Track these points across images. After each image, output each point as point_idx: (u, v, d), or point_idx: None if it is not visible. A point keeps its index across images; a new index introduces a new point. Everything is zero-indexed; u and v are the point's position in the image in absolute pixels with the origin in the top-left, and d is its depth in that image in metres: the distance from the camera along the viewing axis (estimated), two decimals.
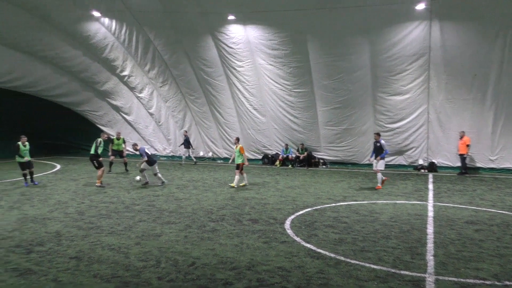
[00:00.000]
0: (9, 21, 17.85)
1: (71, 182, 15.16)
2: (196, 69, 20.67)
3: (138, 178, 14.22)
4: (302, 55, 17.77)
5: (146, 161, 14.25)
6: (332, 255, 6.64)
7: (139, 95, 23.40)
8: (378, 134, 13.75)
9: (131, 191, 13.13)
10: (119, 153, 19.47)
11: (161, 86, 22.60)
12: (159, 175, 14.56)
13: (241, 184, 14.13)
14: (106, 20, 19.36)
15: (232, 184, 13.93)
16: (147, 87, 23.02)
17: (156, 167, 14.61)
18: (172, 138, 24.19)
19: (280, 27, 17.37)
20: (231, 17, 17.55)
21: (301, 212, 9.90)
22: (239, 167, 13.90)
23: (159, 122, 24.00)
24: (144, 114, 24.31)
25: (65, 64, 22.02)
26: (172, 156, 24.55)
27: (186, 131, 22.64)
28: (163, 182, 14.51)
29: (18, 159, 14.04)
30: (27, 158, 14.07)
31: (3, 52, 20.16)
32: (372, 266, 6.13)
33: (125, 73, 22.35)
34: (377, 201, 11.29)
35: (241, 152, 14.03)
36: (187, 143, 21.97)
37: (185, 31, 18.94)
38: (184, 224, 8.76)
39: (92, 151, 14.46)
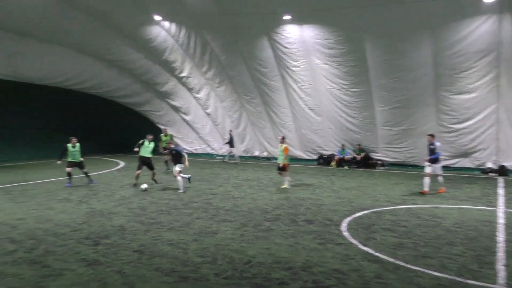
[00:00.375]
0: (80, 28, 19.07)
1: (133, 179, 15.87)
2: (251, 69, 20.88)
3: (144, 186, 13.12)
4: (359, 53, 17.35)
5: (174, 160, 13.21)
6: (391, 259, 6.41)
7: (197, 95, 24.07)
8: (432, 136, 12.91)
9: (189, 188, 13.51)
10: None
11: (217, 87, 23.08)
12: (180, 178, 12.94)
13: (281, 186, 13.78)
14: (166, 24, 20.09)
15: (285, 186, 13.75)
16: (205, 87, 23.62)
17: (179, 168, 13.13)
18: (228, 138, 24.60)
19: (336, 26, 17.07)
20: (286, 17, 17.53)
21: (357, 214, 9.67)
22: (285, 168, 13.61)
23: (216, 122, 24.54)
24: (201, 114, 24.98)
25: (128, 66, 23.20)
26: (229, 156, 24.95)
27: (231, 130, 23.02)
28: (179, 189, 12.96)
29: (69, 158, 14.13)
30: (73, 159, 14.10)
31: (74, 57, 21.69)
32: (435, 273, 5.84)
33: (184, 74, 23.09)
34: (440, 205, 10.75)
35: (284, 152, 13.51)
36: (231, 142, 22.27)
37: (241, 32, 19.19)
38: (239, 222, 8.87)
39: (148, 154, 14.37)
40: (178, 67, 22.71)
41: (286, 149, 13.58)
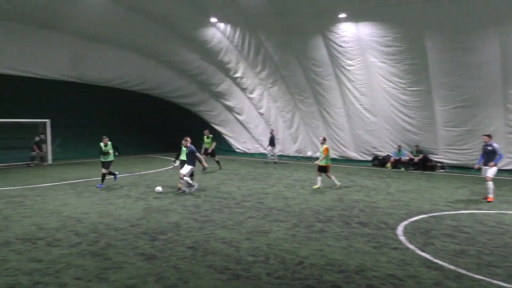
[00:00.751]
0: (141, 31, 20.00)
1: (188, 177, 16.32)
2: (305, 69, 20.73)
3: (159, 189, 12.67)
4: (418, 51, 16.63)
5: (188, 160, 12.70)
6: (452, 267, 6.08)
7: (250, 95, 24.32)
8: (489, 136, 11.87)
9: (242, 187, 13.67)
10: (205, 152, 18.93)
11: (271, 87, 23.16)
12: (187, 179, 12.55)
13: (314, 187, 13.57)
14: (221, 25, 20.49)
15: (336, 186, 13.55)
16: (258, 88, 23.81)
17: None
18: (281, 138, 24.61)
19: (395, 23, 16.49)
20: (342, 15, 17.21)
21: (415, 218, 9.27)
22: (326, 170, 13.34)
23: (269, 122, 24.63)
24: (254, 114, 25.20)
25: (185, 68, 24.00)
26: (280, 155, 24.96)
27: (272, 130, 23.00)
28: (183, 191, 12.63)
29: (101, 158, 13.75)
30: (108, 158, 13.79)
31: (135, 59, 22.85)
32: (502, 283, 5.46)
33: (238, 75, 23.44)
34: (507, 211, 10.04)
35: (324, 153, 13.29)
36: (272, 142, 22.23)
37: (295, 32, 19.12)
38: (291, 223, 8.83)
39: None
40: (232, 68, 23.10)
41: (326, 150, 13.35)
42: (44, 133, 21.52)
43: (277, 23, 18.90)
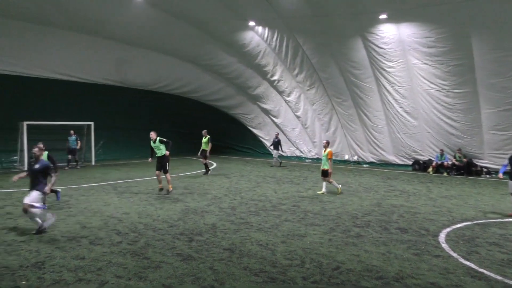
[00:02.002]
0: (180, 36, 20.47)
1: (225, 179, 16.49)
2: (343, 71, 20.45)
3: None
4: (463, 51, 16.02)
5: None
6: (499, 277, 5.78)
7: (287, 98, 24.27)
8: None
9: (278, 190, 13.63)
10: (202, 153, 18.21)
11: (308, 90, 23.02)
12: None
13: (319, 192, 13.08)
14: (259, 29, 20.59)
15: (320, 192, 13.08)
16: (295, 90, 23.72)
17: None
18: (318, 141, 24.37)
19: (438, 23, 15.96)
20: (382, 16, 16.87)
21: (458, 226, 8.90)
22: (326, 174, 12.77)
23: (305, 124, 24.48)
24: (291, 117, 25.12)
25: (222, 71, 24.32)
26: (317, 159, 24.73)
27: (278, 133, 23.12)
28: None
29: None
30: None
31: (174, 63, 23.44)
32: None
33: (275, 77, 23.47)
34: None
35: (328, 157, 12.78)
36: (276, 145, 22.09)
37: (334, 34, 18.92)
38: (328, 227, 8.71)
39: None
40: (269, 71, 23.17)
41: (330, 154, 12.88)
42: (86, 135, 22.39)
43: (315, 26, 18.78)
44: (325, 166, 12.87)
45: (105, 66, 21.68)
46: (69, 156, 20.03)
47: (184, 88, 25.92)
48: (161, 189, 13.01)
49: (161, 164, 12.88)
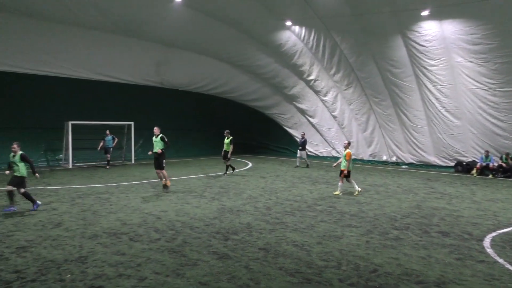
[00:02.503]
0: (217, 36, 20.72)
1: (260, 179, 16.53)
2: (382, 70, 20.00)
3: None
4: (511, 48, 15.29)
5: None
6: None
7: (324, 98, 24.01)
8: None
9: (313, 191, 13.51)
10: (224, 154, 17.62)
11: (345, 89, 22.68)
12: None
13: (334, 193, 12.98)
14: (296, 28, 20.50)
15: (336, 192, 12.97)
16: (332, 90, 23.43)
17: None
18: (355, 141, 23.97)
19: (485, 19, 15.32)
20: (424, 13, 16.36)
21: (505, 230, 8.49)
22: (347, 174, 12.72)
23: (342, 124, 24.13)
24: (327, 117, 24.83)
25: (259, 71, 24.40)
26: (354, 159, 24.29)
27: (304, 133, 22.39)
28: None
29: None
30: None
31: (212, 64, 23.78)
32: None
33: (312, 77, 23.28)
34: None
35: (346, 158, 12.71)
36: (303, 146, 21.33)
37: (373, 33, 18.55)
38: (365, 228, 8.55)
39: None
40: (306, 70, 23.02)
41: (348, 155, 12.75)
42: (126, 134, 23.08)
43: (353, 24, 18.48)
44: (343, 166, 12.82)
45: (145, 67, 22.27)
46: (108, 155, 20.55)
47: (221, 89, 26.23)
48: (165, 186, 13.24)
49: (158, 162, 13.17)
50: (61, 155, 21.33)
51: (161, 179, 13.36)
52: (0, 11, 15.93)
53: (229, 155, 17.50)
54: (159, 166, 13.17)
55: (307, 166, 21.38)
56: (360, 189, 13.04)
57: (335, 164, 13.71)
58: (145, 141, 25.20)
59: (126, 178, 16.24)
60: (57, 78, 20.05)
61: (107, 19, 17.81)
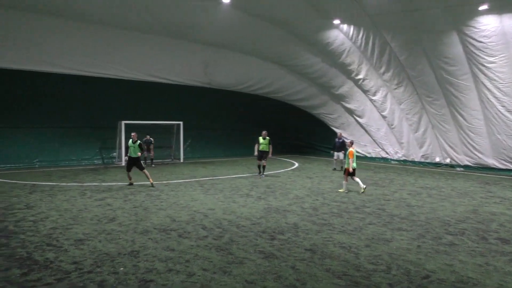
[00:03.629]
0: (264, 37, 20.81)
1: (307, 179, 16.40)
2: (436, 68, 19.18)
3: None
4: None
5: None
6: None
7: (373, 97, 23.41)
8: None
9: (362, 193, 13.21)
10: (262, 155, 17.11)
11: (395, 88, 21.98)
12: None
13: (339, 190, 13.46)
14: (344, 27, 20.13)
15: (340, 190, 13.43)
16: (381, 89, 22.80)
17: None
18: (405, 142, 23.18)
19: None
20: (483, 8, 15.52)
21: None
22: (352, 172, 13.11)
23: (392, 125, 23.40)
24: (376, 117, 24.18)
25: (306, 71, 24.22)
26: (404, 161, 23.52)
27: (340, 133, 21.56)
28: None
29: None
30: (139, 154, 13.96)
31: (259, 64, 23.96)
32: None
33: (360, 76, 22.77)
34: None
35: (349, 156, 13.04)
36: (340, 147, 20.08)
37: (425, 29, 17.83)
38: (416, 232, 8.23)
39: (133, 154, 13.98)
40: (354, 69, 22.56)
41: (351, 154, 13.08)
42: (176, 134, 23.72)
43: (404, 21, 17.87)
44: (347, 164, 13.26)
45: (194, 68, 22.81)
46: (151, 154, 20.88)
47: (268, 88, 26.31)
48: (131, 184, 14.03)
49: (136, 164, 13.92)
50: (114, 153, 22.32)
51: (130, 179, 14.06)
52: (59, 16, 16.93)
53: (270, 155, 17.23)
54: (139, 167, 13.90)
55: (342, 168, 20.10)
56: (365, 186, 13.24)
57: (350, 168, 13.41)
58: (193, 140, 25.82)
59: (175, 176, 16.69)
60: (111, 80, 21.02)
61: (158, 23, 18.43)
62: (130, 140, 14.13)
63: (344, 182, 13.38)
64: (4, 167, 18.46)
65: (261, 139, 17.24)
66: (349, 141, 14.23)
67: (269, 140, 17.21)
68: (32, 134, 19.69)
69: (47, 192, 12.53)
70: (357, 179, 13.24)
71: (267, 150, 17.09)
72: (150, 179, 13.92)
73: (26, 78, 19.06)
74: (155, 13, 17.49)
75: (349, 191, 13.28)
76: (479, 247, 7.28)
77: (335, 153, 20.48)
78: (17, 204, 10.59)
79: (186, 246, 7.10)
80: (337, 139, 20.87)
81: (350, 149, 13.22)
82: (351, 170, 13.05)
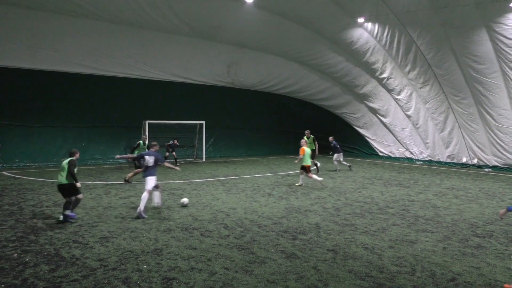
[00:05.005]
0: (287, 36, 20.74)
1: (329, 179, 16.25)
2: (464, 66, 18.68)
3: (185, 201, 10.73)
4: None
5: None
6: None
7: (397, 97, 23.00)
8: None
9: (385, 193, 13.01)
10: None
11: (421, 87, 21.53)
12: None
13: (296, 184, 14.17)
14: (369, 25, 19.85)
15: (297, 184, 14.21)
16: (406, 88, 22.37)
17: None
18: (430, 142, 22.69)
19: None
20: None
21: None
22: (307, 170, 13.79)
23: (417, 124, 22.93)
24: (401, 116, 23.74)
25: (329, 70, 24.01)
26: (430, 161, 23.02)
27: (332, 138, 20.35)
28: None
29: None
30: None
31: (282, 63, 23.92)
32: None
33: (384, 75, 22.40)
34: None
35: (300, 153, 13.83)
36: (335, 149, 19.42)
37: (453, 27, 17.40)
38: (442, 234, 8.05)
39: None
40: (378, 68, 22.22)
41: (301, 151, 13.85)
42: (198, 133, 23.92)
43: (431, 19, 17.49)
44: (305, 162, 13.85)
45: (217, 68, 22.93)
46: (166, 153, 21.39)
47: (291, 88, 26.24)
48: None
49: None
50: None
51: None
52: (86, 18, 17.31)
53: (316, 152, 17.66)
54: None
55: (350, 168, 19.85)
56: (302, 184, 14.12)
57: (297, 160, 14.27)
58: (215, 140, 25.97)
59: (198, 176, 16.83)
60: (136, 80, 21.38)
61: (183, 24, 18.62)
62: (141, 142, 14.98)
63: (301, 176, 14.17)
64: (33, 165, 19.03)
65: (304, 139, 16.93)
66: (303, 140, 14.70)
67: (313, 139, 17.65)
68: (60, 133, 20.21)
69: None
70: (302, 176, 14.14)
71: (313, 148, 17.32)
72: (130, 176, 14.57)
73: (53, 79, 19.57)
74: (179, 14, 17.67)
75: (323, 186, 13.02)
76: (508, 249, 7.06)
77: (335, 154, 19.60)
78: (46, 201, 10.90)
79: (208, 245, 7.15)
80: (332, 142, 19.78)
81: (303, 146, 13.94)
82: (307, 167, 13.80)
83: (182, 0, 16.86)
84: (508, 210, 5.82)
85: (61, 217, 8.50)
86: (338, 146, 19.45)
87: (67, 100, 20.35)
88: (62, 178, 8.58)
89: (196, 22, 18.70)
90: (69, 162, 8.72)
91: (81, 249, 6.83)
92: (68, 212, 8.57)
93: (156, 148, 10.38)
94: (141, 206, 9.18)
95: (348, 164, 19.82)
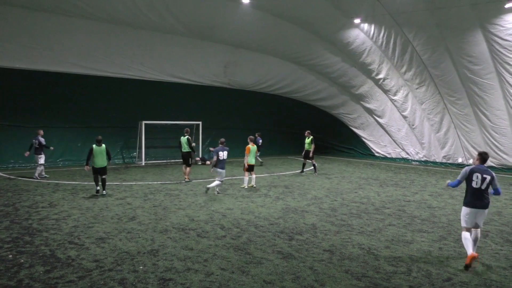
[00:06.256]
0: (284, 36, 20.77)
1: (325, 180, 16.28)
2: (459, 67, 18.76)
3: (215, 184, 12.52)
4: None
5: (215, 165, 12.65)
6: None
7: (393, 97, 23.08)
8: None
9: (381, 193, 13.04)
10: (306, 154, 17.97)
11: (417, 88, 21.61)
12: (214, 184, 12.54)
13: (249, 185, 14.01)
14: (365, 26, 19.90)
15: (242, 186, 14.03)
16: (402, 89, 22.45)
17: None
18: (426, 142, 22.77)
19: None
20: (508, 5, 15.13)
21: None
22: (248, 168, 13.99)
23: (413, 125, 23.01)
24: (397, 117, 23.82)
25: (326, 71, 24.06)
26: (425, 161, 23.11)
27: (258, 134, 21.24)
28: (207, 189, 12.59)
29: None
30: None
31: (279, 64, 23.96)
32: None
33: (380, 76, 22.47)
34: None
35: (246, 152, 14.06)
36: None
37: (449, 27, 17.48)
38: (438, 234, 8.08)
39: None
40: (374, 69, 22.28)
41: (247, 150, 14.06)
42: (195, 134, 23.89)
43: (427, 19, 17.55)
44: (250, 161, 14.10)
45: (214, 68, 22.91)
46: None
47: (287, 88, 26.28)
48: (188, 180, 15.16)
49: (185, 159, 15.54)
50: (135, 153, 22.62)
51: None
52: (82, 18, 17.26)
53: (310, 154, 17.80)
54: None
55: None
56: (247, 186, 13.91)
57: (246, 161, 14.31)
58: (212, 140, 25.93)
59: (194, 176, 16.80)
60: (132, 80, 21.31)
61: (180, 24, 18.60)
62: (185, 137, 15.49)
63: (245, 177, 14.10)
64: (29, 166, 18.93)
65: (306, 139, 18.16)
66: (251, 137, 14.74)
67: (312, 139, 17.96)
68: (56, 134, 20.09)
69: (69, 191, 12.81)
70: (253, 176, 14.13)
71: (309, 149, 17.84)
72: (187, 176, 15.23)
73: (49, 79, 19.47)
74: (176, 14, 17.65)
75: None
76: (503, 249, 7.10)
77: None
78: (41, 202, 10.86)
79: (205, 245, 7.15)
80: (258, 138, 20.87)
81: (248, 145, 14.10)
82: (247, 166, 14.01)
83: (179, 0, 16.86)
84: (449, 185, 7.26)
85: None
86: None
87: (63, 100, 20.25)
88: (103, 162, 12.09)
89: (193, 22, 18.70)
90: (106, 148, 12.14)
91: (77, 250, 6.81)
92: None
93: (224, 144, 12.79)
94: (213, 184, 12.05)
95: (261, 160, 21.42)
